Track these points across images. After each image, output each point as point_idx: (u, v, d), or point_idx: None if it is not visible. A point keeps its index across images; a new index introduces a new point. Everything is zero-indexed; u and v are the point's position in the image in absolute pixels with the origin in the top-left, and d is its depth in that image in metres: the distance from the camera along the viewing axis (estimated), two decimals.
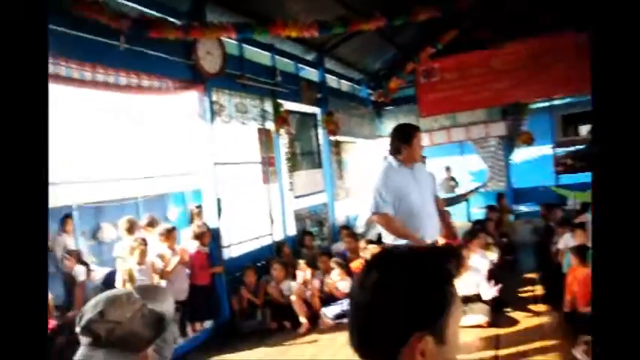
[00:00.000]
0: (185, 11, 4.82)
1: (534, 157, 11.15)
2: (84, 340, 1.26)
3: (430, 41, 7.80)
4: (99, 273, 4.97)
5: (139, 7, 4.38)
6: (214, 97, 5.18)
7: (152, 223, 5.25)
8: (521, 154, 10.29)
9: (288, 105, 6.62)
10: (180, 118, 5.03)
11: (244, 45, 5.85)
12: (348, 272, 5.28)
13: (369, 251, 5.14)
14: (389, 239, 3.45)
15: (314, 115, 7.63)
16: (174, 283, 4.63)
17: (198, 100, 5.03)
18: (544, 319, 4.41)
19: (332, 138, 7.76)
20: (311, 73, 7.65)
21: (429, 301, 0.84)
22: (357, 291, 0.89)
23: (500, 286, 4.75)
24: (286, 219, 6.55)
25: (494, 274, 5.19)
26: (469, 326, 4.17)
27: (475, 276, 4.71)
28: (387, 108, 9.72)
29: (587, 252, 4.19)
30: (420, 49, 7.98)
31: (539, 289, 5.18)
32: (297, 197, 6.82)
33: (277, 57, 6.51)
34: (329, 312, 4.96)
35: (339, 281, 5.17)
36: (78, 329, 1.27)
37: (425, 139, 6.91)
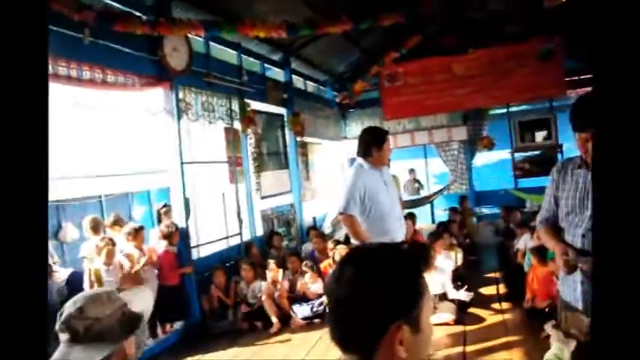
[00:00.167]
0: (150, 5, 4.69)
1: (494, 161, 11.52)
2: (63, 337, 1.30)
3: (394, 46, 7.90)
4: (62, 274, 4.74)
5: (104, 0, 4.23)
6: (181, 95, 5.09)
7: (118, 222, 5.05)
8: (483, 158, 10.60)
9: (255, 105, 6.57)
10: (146, 115, 4.88)
11: (211, 43, 5.77)
12: (319, 274, 5.29)
13: (337, 252, 5.15)
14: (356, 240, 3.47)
15: (280, 116, 7.59)
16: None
17: (165, 98, 4.92)
18: (507, 316, 4.57)
19: (298, 139, 7.73)
20: (277, 74, 7.61)
21: (404, 292, 0.89)
22: (334, 287, 0.92)
23: (472, 294, 4.91)
24: (254, 219, 6.48)
25: (458, 274, 5.34)
26: (437, 324, 4.26)
27: (440, 276, 4.82)
28: (352, 110, 9.78)
29: (546, 252, 4.38)
30: (384, 53, 8.06)
31: (501, 288, 5.36)
32: (263, 198, 6.76)
33: (244, 56, 6.44)
34: (299, 312, 4.95)
35: (312, 284, 5.18)
36: (57, 326, 1.31)
37: (389, 142, 6.95)
